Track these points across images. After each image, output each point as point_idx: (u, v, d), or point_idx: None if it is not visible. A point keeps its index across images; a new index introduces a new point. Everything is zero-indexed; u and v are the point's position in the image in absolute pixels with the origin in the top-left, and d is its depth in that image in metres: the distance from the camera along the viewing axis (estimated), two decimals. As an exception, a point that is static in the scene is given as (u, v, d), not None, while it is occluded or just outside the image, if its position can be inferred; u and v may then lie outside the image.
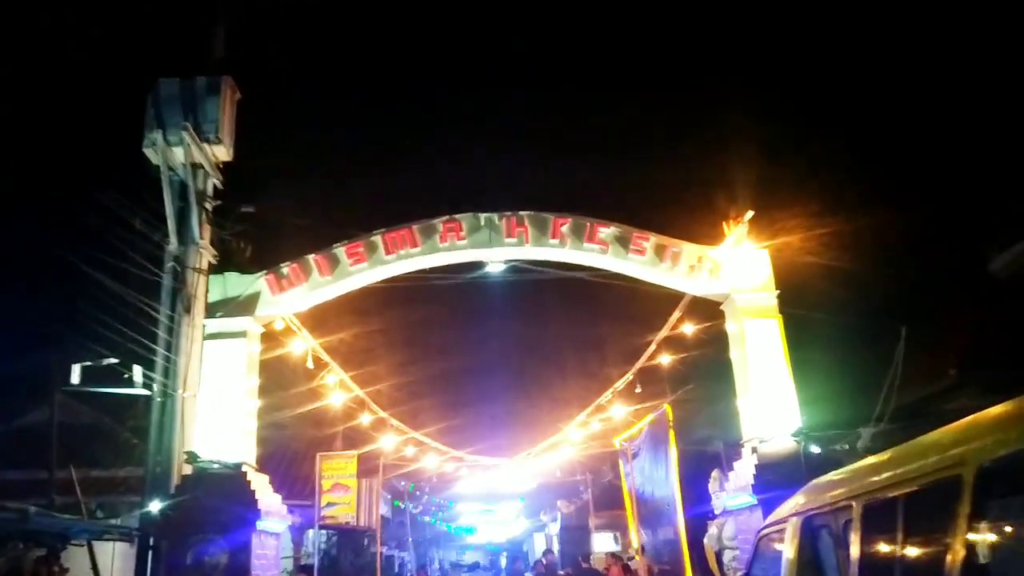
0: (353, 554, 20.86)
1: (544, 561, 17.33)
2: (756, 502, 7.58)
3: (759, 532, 5.96)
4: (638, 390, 11.12)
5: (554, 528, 25.01)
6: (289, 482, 15.17)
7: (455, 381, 11.61)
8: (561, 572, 17.13)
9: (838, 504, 4.51)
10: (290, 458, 14.58)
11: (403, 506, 25.22)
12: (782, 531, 5.39)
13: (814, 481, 5.22)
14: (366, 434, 11.83)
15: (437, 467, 14.80)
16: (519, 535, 41.41)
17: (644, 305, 10.02)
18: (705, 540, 10.94)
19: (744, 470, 7.99)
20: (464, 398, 12.31)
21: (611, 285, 10.02)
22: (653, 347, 10.35)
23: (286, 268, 8.94)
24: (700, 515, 16.08)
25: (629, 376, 11.33)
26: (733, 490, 8.22)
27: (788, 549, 5.15)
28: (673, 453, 16.28)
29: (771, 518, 5.75)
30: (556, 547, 28.58)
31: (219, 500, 7.57)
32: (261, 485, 8.12)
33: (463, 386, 11.86)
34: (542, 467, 18.26)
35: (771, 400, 8.14)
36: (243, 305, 8.80)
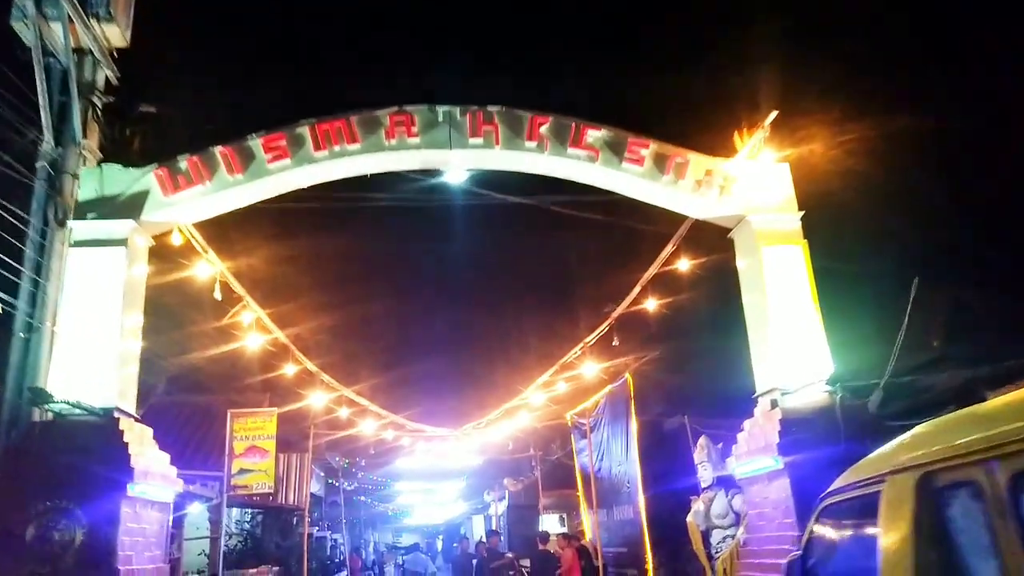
0: (280, 535, 18.80)
1: (487, 543, 15.65)
2: (781, 467, 5.97)
3: (821, 501, 4.32)
4: (615, 343, 9.45)
5: (499, 508, 23.39)
6: (204, 450, 13.05)
7: (397, 330, 9.73)
8: (509, 554, 15.48)
9: (1003, 450, 2.86)
10: (197, 419, 12.47)
11: (337, 484, 23.22)
12: (870, 496, 3.74)
13: (933, 421, 3.60)
14: (289, 390, 9.88)
15: (374, 434, 12.90)
16: (456, 517, 39.89)
17: (623, 243, 8.35)
18: (689, 518, 9.40)
19: (763, 429, 6.37)
20: (407, 351, 10.45)
21: (584, 218, 8.35)
22: (637, 291, 8.69)
23: (183, 162, 6.89)
24: (682, 490, 14.62)
25: (604, 328, 9.66)
26: (745, 454, 6.60)
27: (892, 521, 3.49)
28: (634, 427, 14.89)
29: (846, 479, 4.10)
30: (495, 526, 26.99)
31: (76, 456, 5.59)
32: (140, 439, 6.14)
33: (406, 337, 9.99)
34: (489, 441, 16.55)
35: (795, 343, 6.56)
36: (125, 206, 6.75)
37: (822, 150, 6.94)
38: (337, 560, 22.20)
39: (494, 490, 25.54)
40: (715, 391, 15.27)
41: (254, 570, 14.34)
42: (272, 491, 8.89)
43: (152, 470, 6.08)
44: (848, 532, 4.17)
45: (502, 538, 16.45)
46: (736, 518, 8.67)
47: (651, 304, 8.81)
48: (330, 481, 24.16)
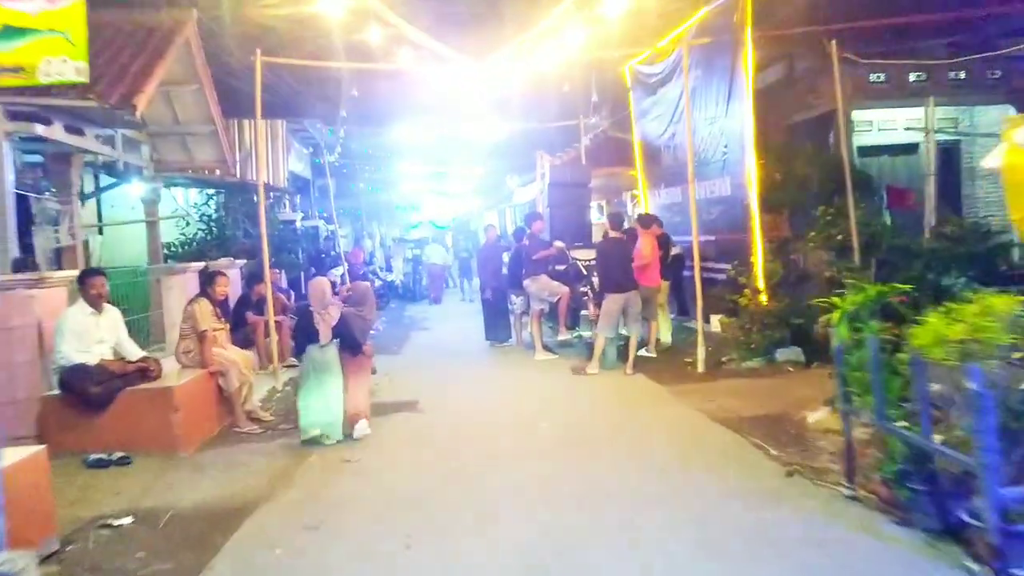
0: (249, 221, 14.43)
1: (530, 230, 11.27)
2: None
3: None
4: None
5: (529, 192, 18.97)
6: (113, 74, 7.90)
7: None
8: (559, 243, 11.17)
9: None
10: (107, 38, 7.12)
11: (322, 163, 18.62)
12: None
13: None
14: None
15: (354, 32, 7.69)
16: (466, 215, 36.49)
17: None
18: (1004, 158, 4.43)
19: None
20: None
21: None
22: None
23: None
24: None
25: None
26: None
27: None
28: (746, 63, 9.96)
29: None
30: (504, 223, 22.59)
31: None
32: None
33: None
34: (527, 82, 11.39)
35: None
36: None
37: None
38: (332, 253, 18.34)
39: (518, 174, 20.99)
40: None
41: (196, 265, 10.10)
42: (87, 80, 4.03)
43: None
44: None
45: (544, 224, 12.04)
46: None
47: None
48: (318, 161, 19.52)
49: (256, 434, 7.24)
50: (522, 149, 20.06)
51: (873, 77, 13.30)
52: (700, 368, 9.41)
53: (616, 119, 16.52)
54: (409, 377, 9.91)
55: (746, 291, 10.18)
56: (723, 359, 9.79)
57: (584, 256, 11.10)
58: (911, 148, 14.13)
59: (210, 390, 7.25)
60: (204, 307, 7.41)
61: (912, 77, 13.14)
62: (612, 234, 9.59)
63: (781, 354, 9.43)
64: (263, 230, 8.81)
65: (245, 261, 12.45)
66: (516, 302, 11.92)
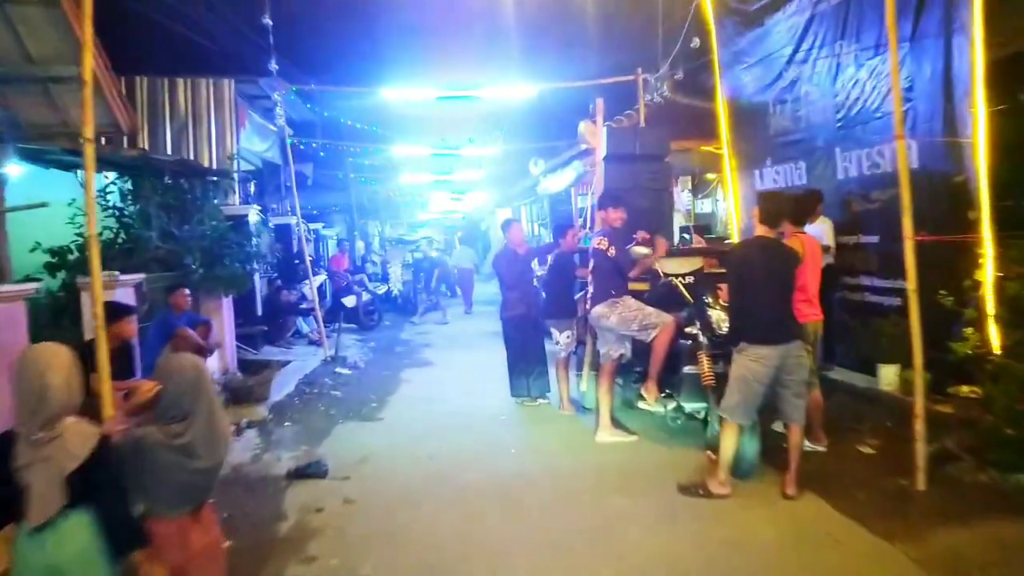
0: (174, 217, 9.92)
1: (608, 215, 6.75)
2: None
3: None
4: None
5: (559, 181, 14.53)
6: None
7: None
8: (640, 249, 6.63)
9: None
10: None
11: (293, 139, 14.18)
12: None
13: None
14: None
15: None
16: (473, 212, 32.47)
17: None
18: None
19: None
20: None
21: None
22: None
23: None
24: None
25: None
26: None
27: None
28: None
29: None
30: (520, 218, 18.35)
31: None
32: None
33: None
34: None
35: None
36: None
37: None
38: (308, 260, 13.90)
39: (548, 156, 16.51)
40: None
41: (8, 289, 5.70)
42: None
43: None
44: None
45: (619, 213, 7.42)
46: None
47: None
48: (290, 141, 15.02)
49: None
50: (549, 125, 15.69)
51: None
52: (921, 483, 4.99)
53: (676, 73, 11.86)
54: (383, 493, 5.47)
55: (968, 332, 5.75)
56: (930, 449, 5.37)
57: (677, 267, 6.62)
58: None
59: None
60: None
61: None
62: (759, 231, 5.10)
63: (1076, 459, 4.98)
64: (92, 230, 4.35)
65: (144, 276, 8.08)
66: (560, 339, 7.52)
